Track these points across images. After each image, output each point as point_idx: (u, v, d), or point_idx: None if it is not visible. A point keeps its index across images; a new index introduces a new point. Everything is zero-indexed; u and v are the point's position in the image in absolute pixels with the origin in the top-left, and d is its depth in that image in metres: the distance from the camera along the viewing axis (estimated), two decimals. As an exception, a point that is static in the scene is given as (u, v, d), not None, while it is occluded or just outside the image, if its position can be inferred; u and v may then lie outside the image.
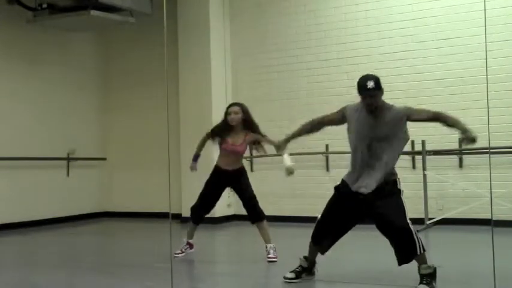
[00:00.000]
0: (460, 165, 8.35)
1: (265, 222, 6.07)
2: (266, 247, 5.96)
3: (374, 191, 4.52)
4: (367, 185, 4.54)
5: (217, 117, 8.86)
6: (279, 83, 9.64)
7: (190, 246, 6.36)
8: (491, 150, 7.92)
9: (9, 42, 9.43)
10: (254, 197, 6.10)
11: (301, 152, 9.20)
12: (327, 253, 4.85)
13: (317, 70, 9.33)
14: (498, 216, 7.55)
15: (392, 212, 4.46)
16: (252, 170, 9.53)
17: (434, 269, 4.47)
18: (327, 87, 9.17)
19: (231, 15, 10.01)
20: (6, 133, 9.22)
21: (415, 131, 8.55)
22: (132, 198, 10.78)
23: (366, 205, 4.54)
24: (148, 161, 10.41)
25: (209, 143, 6.25)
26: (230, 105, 6.22)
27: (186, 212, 6.50)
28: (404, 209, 4.50)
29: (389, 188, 4.56)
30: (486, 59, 6.93)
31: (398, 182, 4.62)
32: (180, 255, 6.22)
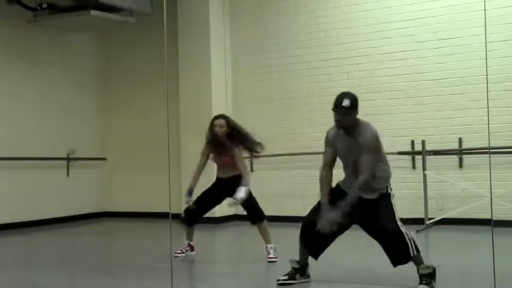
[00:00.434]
0: (460, 165, 8.35)
1: (265, 223, 6.07)
2: (266, 247, 5.96)
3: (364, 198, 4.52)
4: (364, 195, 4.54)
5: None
6: (279, 83, 9.64)
7: (191, 248, 6.36)
8: (491, 150, 7.93)
9: (9, 42, 9.43)
10: (254, 198, 6.09)
11: (301, 152, 9.21)
12: (325, 253, 4.83)
13: (317, 70, 9.33)
14: (498, 216, 7.55)
15: (382, 216, 4.46)
16: (252, 170, 9.53)
17: (434, 269, 4.46)
18: (327, 87, 9.15)
19: (231, 15, 10.01)
20: (6, 133, 9.22)
21: (415, 131, 8.59)
22: (132, 198, 10.78)
23: (355, 207, 4.53)
24: (148, 161, 10.41)
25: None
26: (215, 118, 6.16)
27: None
28: (394, 211, 4.49)
29: (380, 192, 4.56)
30: (486, 59, 6.93)
31: (388, 187, 4.62)
32: (180, 255, 6.23)
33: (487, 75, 7.25)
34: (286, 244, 5.71)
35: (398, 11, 8.77)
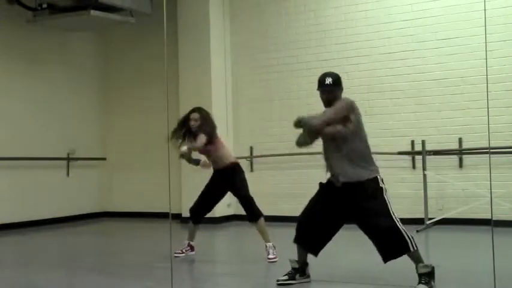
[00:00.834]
0: (460, 165, 8.35)
1: (262, 221, 6.07)
2: (266, 246, 5.97)
3: (357, 191, 4.52)
4: (342, 172, 4.58)
5: (217, 117, 8.87)
6: (278, 83, 9.64)
7: (192, 248, 6.37)
8: (491, 150, 7.93)
9: (9, 42, 9.43)
10: (249, 195, 6.12)
11: (300, 152, 9.20)
12: (325, 253, 4.84)
13: (317, 70, 9.24)
14: (498, 216, 7.55)
15: (377, 212, 4.46)
16: (251, 170, 9.54)
17: (432, 268, 4.46)
18: (327, 87, 9.16)
19: (231, 15, 10.02)
20: (6, 133, 9.22)
21: (415, 131, 8.59)
22: (132, 198, 10.78)
23: (344, 201, 4.55)
24: (148, 161, 10.41)
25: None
26: (191, 111, 6.28)
27: (186, 212, 6.51)
28: (388, 208, 4.48)
29: (372, 187, 4.54)
30: (486, 59, 6.93)
31: (380, 180, 4.59)
32: (180, 255, 6.23)
33: (487, 75, 7.25)
34: (286, 244, 5.70)
35: (398, 11, 8.77)
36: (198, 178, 6.29)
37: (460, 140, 8.30)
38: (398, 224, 4.42)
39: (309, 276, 4.92)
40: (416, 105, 8.63)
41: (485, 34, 6.85)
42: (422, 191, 8.09)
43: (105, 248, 7.86)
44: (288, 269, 4.90)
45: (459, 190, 8.25)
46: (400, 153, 8.59)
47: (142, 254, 6.74)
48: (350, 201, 4.55)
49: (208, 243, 7.75)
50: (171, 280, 4.21)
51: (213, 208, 6.37)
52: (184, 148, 5.94)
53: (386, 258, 4.49)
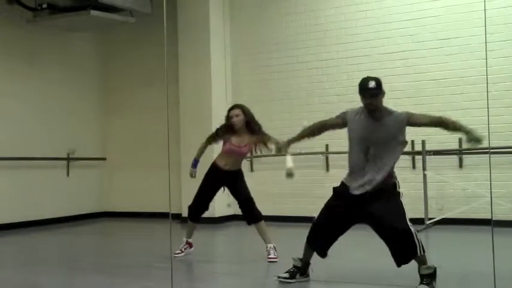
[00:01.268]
0: (460, 165, 8.35)
1: (262, 223, 6.07)
2: (266, 247, 5.96)
3: (373, 194, 4.51)
4: (366, 185, 4.54)
5: (217, 117, 8.88)
6: (279, 83, 9.64)
7: (190, 245, 6.36)
8: (491, 150, 7.92)
9: (9, 42, 9.43)
10: (251, 198, 6.10)
11: (300, 153, 9.20)
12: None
13: (317, 70, 9.33)
14: (498, 216, 7.55)
15: (392, 215, 4.45)
16: (251, 170, 9.54)
17: (435, 269, 4.46)
18: (327, 87, 9.17)
19: (231, 15, 10.01)
20: (6, 133, 9.22)
21: (415, 130, 8.53)
22: (132, 198, 10.78)
23: (364, 207, 4.53)
24: (148, 161, 10.41)
25: (209, 147, 6.24)
26: (231, 108, 6.17)
27: (186, 212, 6.50)
28: (404, 211, 4.49)
29: (389, 190, 4.56)
30: (486, 59, 6.92)
31: (397, 185, 4.61)
32: (179, 255, 6.23)
33: (487, 75, 7.25)
34: (287, 244, 5.73)
35: (398, 11, 8.77)
36: (198, 177, 6.28)
37: (460, 140, 8.29)
38: (411, 228, 4.42)
39: (308, 276, 4.92)
40: (416, 105, 8.59)
41: (485, 34, 6.84)
42: (422, 191, 8.09)
43: (105, 248, 7.86)
44: (289, 267, 4.90)
45: (459, 190, 8.25)
46: (400, 153, 8.57)
47: (142, 254, 6.74)
48: (367, 206, 4.53)
49: (208, 243, 7.75)
50: (171, 280, 4.21)
51: (208, 206, 6.27)
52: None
53: (400, 262, 4.49)
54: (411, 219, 4.50)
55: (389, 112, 4.70)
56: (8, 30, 9.33)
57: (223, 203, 8.78)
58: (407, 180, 8.53)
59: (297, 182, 9.22)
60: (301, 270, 4.88)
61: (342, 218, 4.65)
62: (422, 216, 7.98)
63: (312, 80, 9.37)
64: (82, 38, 10.69)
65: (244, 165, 8.38)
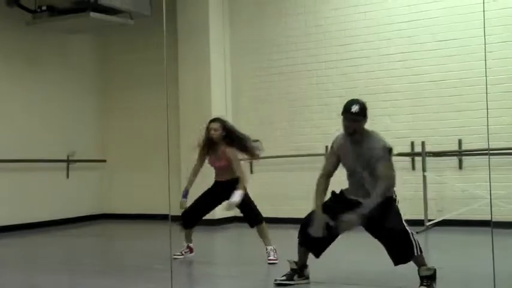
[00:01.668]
0: (460, 166, 8.35)
1: (264, 225, 6.07)
2: (266, 249, 5.96)
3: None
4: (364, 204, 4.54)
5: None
6: (278, 85, 9.64)
7: (190, 250, 6.37)
8: (490, 152, 7.92)
9: (9, 44, 9.43)
10: (251, 201, 6.10)
11: (300, 154, 9.21)
12: (323, 254, 4.83)
13: (316, 72, 9.33)
14: (498, 217, 7.54)
15: (388, 217, 4.46)
16: (251, 172, 9.54)
17: (434, 271, 4.46)
18: (327, 88, 9.17)
19: (230, 17, 10.01)
20: (6, 135, 9.22)
21: (414, 132, 8.59)
22: (131, 200, 10.77)
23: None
24: (148, 163, 10.40)
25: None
26: (211, 121, 6.18)
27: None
28: (400, 214, 4.51)
29: (386, 199, 4.57)
30: (485, 60, 6.93)
31: (394, 194, 4.63)
32: (179, 257, 6.23)
33: (486, 76, 7.23)
34: (287, 246, 5.71)
35: (397, 13, 8.77)
36: (198, 179, 6.29)
37: (460, 142, 8.30)
38: (408, 228, 4.42)
39: (307, 278, 4.92)
40: (415, 106, 8.63)
41: (484, 36, 6.85)
42: (422, 192, 8.09)
43: (104, 250, 7.86)
44: (288, 270, 4.90)
45: (459, 191, 8.24)
46: (399, 154, 8.56)
47: (142, 255, 6.74)
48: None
49: (208, 245, 7.75)
50: (170, 282, 4.21)
51: (202, 216, 6.27)
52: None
53: (397, 262, 4.48)
54: (411, 221, 4.51)
55: (369, 134, 4.63)
56: (8, 32, 9.34)
57: (223, 204, 8.76)
58: (407, 181, 8.54)
59: (297, 184, 9.26)
60: (298, 272, 4.88)
61: (332, 215, 4.64)
62: (422, 218, 7.98)
63: (312, 81, 9.37)
64: (81, 40, 10.70)
65: (244, 167, 8.40)
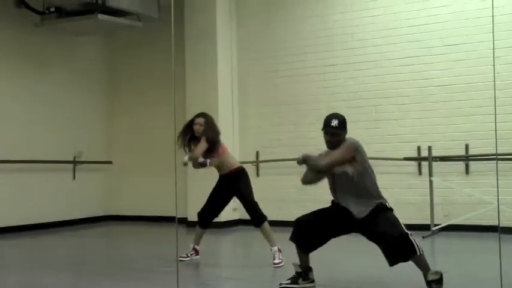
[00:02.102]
0: (467, 171, 8.32)
1: (266, 224, 6.09)
2: (271, 250, 5.97)
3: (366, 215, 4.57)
4: (353, 210, 4.59)
5: (223, 122, 8.90)
6: (285, 88, 9.63)
7: (196, 252, 6.38)
8: (498, 157, 7.90)
9: (17, 45, 9.47)
10: (252, 200, 6.15)
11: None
12: (327, 257, 4.83)
13: (324, 75, 9.32)
14: (505, 223, 7.49)
15: (386, 222, 4.49)
16: (257, 175, 9.53)
17: (441, 275, 4.45)
18: (334, 92, 9.16)
19: (237, 20, 10.02)
20: (13, 136, 9.26)
21: (421, 136, 8.57)
22: (138, 202, 10.79)
23: (356, 220, 4.57)
24: (155, 165, 10.42)
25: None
26: (196, 116, 6.35)
27: (192, 216, 6.53)
28: (397, 219, 4.52)
29: (379, 208, 4.60)
30: (494, 65, 6.92)
31: (387, 204, 4.65)
32: (185, 259, 6.24)
33: (494, 81, 7.23)
34: (293, 250, 5.70)
35: (406, 17, 8.76)
36: (204, 182, 6.31)
37: (467, 146, 8.28)
38: (406, 230, 4.43)
39: (313, 281, 4.91)
40: (422, 111, 8.61)
41: (493, 40, 6.82)
42: (429, 197, 8.07)
43: (110, 252, 7.86)
44: (293, 273, 4.90)
45: (465, 196, 8.22)
46: (406, 159, 8.57)
47: (148, 257, 6.74)
48: (359, 221, 4.58)
49: (214, 248, 7.75)
50: (176, 284, 4.21)
51: (220, 212, 6.40)
52: (185, 159, 6.22)
53: (393, 261, 4.48)
54: (417, 225, 4.51)
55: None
56: (16, 33, 9.38)
57: (229, 207, 8.76)
58: (414, 186, 8.53)
59: (303, 187, 9.22)
60: (302, 275, 4.88)
61: (331, 220, 4.70)
62: (429, 223, 7.96)
63: (319, 85, 9.36)
64: (89, 42, 10.73)
65: (251, 170, 8.41)
